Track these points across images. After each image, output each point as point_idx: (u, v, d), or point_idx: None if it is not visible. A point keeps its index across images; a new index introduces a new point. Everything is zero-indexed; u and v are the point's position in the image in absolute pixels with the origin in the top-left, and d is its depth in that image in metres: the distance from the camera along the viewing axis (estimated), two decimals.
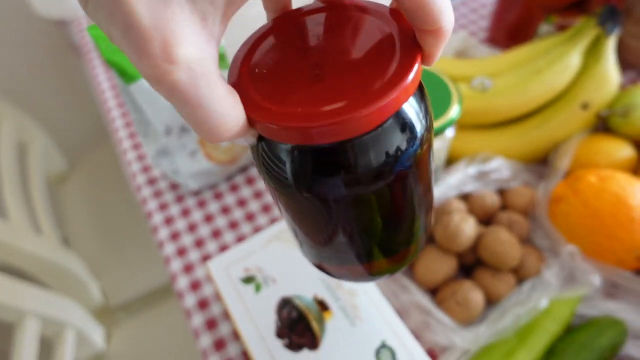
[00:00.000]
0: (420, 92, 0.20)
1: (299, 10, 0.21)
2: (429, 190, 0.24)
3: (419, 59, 0.18)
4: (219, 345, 0.43)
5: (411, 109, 0.19)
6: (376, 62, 0.18)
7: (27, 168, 0.94)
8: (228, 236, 0.51)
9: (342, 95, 0.17)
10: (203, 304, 0.46)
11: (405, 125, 0.19)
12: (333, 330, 0.37)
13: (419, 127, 0.20)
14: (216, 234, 0.52)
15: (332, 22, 0.20)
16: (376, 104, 0.17)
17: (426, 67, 0.44)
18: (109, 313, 0.86)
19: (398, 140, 0.19)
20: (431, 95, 0.42)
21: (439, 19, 0.18)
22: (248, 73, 0.19)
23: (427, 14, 0.17)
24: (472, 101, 0.49)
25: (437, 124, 0.39)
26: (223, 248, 0.51)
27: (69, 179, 1.06)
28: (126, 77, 0.45)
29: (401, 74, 0.18)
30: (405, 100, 0.18)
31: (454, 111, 0.40)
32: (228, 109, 0.18)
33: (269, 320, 0.38)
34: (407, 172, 0.20)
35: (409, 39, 0.19)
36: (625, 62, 0.63)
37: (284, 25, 0.21)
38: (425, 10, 0.17)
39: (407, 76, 0.17)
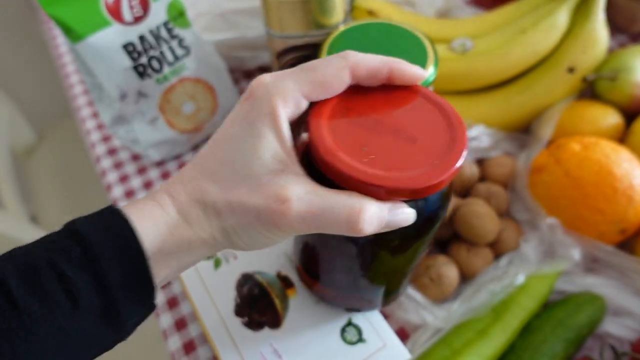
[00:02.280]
0: None
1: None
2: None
3: (464, 152, 0.23)
4: (180, 325, 0.41)
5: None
6: (434, 139, 0.23)
7: None
8: None
9: (421, 163, 0.22)
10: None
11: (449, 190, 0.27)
12: (297, 308, 0.34)
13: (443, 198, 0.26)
14: None
15: (390, 95, 0.25)
16: (449, 172, 0.22)
17: (402, 25, 0.40)
18: None
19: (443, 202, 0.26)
20: (405, 54, 0.38)
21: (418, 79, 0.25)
22: (338, 143, 0.23)
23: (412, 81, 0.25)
24: (452, 63, 0.46)
25: None
26: None
27: (36, 152, 1.01)
28: (72, 34, 0.40)
29: (457, 150, 0.23)
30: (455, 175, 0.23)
31: (429, 72, 0.37)
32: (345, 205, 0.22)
33: (228, 298, 0.35)
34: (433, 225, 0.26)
35: (456, 121, 0.24)
36: (614, 24, 0.60)
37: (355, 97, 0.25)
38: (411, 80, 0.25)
39: (462, 152, 0.23)
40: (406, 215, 0.23)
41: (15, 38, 1.02)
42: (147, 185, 0.51)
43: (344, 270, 0.29)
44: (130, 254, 0.21)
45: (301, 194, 0.22)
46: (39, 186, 0.96)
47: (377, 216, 0.22)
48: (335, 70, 0.24)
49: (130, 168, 0.52)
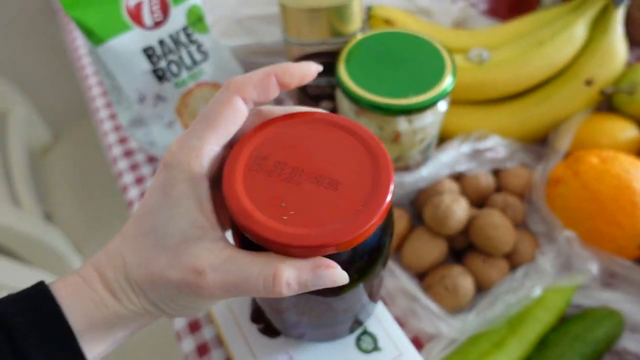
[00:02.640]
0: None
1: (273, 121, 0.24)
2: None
3: (391, 187, 0.22)
4: (194, 327, 0.41)
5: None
6: (358, 179, 0.22)
7: (6, 138, 0.91)
8: None
9: (345, 211, 0.21)
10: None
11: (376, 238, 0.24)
12: None
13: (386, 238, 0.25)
14: None
15: (308, 134, 0.24)
16: (376, 216, 0.21)
17: (419, 34, 0.40)
18: None
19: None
20: (423, 64, 0.38)
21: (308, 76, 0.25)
22: (248, 191, 0.22)
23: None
24: (468, 74, 0.46)
25: (429, 96, 0.36)
26: None
27: (52, 151, 1.02)
28: (94, 37, 0.41)
29: (383, 188, 0.21)
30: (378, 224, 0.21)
31: (447, 82, 0.37)
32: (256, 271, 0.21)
33: (245, 304, 0.35)
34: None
35: (380, 153, 0.23)
36: (632, 37, 0.59)
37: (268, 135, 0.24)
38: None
39: (388, 188, 0.22)
40: (332, 275, 0.21)
41: (35, 39, 1.03)
42: None
43: (301, 319, 0.29)
44: (58, 334, 0.21)
45: (216, 263, 0.21)
46: (54, 185, 0.97)
47: (295, 279, 0.21)
48: (225, 104, 0.23)
49: (146, 170, 0.53)
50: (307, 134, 0.24)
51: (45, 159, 1.02)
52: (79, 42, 0.67)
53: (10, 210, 0.77)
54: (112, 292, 0.23)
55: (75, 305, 0.22)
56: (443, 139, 0.46)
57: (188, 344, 0.40)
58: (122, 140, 0.55)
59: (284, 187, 0.22)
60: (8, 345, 0.20)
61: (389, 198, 0.21)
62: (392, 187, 0.22)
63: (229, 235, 0.25)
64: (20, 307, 0.21)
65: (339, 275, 0.21)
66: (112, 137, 0.56)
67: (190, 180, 0.22)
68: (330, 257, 0.22)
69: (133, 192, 0.51)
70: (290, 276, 0.21)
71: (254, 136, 0.23)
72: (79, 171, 0.98)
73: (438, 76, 0.37)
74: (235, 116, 0.23)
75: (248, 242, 0.22)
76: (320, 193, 0.22)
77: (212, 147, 0.23)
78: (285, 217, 0.21)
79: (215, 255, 0.22)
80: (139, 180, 0.52)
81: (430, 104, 0.36)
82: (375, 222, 0.21)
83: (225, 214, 0.25)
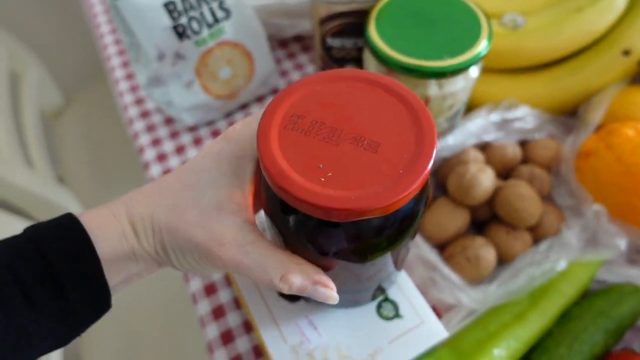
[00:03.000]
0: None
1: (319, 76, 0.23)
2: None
3: (434, 153, 0.21)
4: (210, 290, 0.41)
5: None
6: (399, 142, 0.21)
7: (19, 99, 0.90)
8: None
9: (385, 175, 0.20)
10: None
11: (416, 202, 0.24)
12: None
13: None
14: None
15: (347, 92, 0.23)
16: (416, 182, 0.20)
17: None
18: None
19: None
20: (458, 26, 0.37)
21: None
22: (284, 152, 0.21)
23: None
24: (501, 40, 0.44)
25: (462, 59, 0.35)
26: None
27: (65, 114, 1.02)
28: None
29: (425, 154, 0.20)
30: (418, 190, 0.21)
31: (482, 46, 0.36)
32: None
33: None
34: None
35: (423, 115, 0.21)
36: None
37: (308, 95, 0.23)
38: None
39: (431, 155, 0.20)
40: (327, 294, 0.24)
41: (46, 2, 1.01)
42: (180, 150, 0.50)
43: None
44: (86, 261, 0.23)
45: (240, 242, 0.23)
46: (66, 148, 0.97)
47: (297, 287, 0.23)
48: None
49: (162, 132, 0.52)
50: (347, 92, 0.22)
51: (58, 121, 1.02)
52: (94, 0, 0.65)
53: (23, 171, 0.77)
54: (134, 227, 0.24)
55: (103, 235, 0.24)
56: (471, 107, 0.45)
57: (204, 307, 0.40)
58: (139, 101, 0.54)
59: (321, 148, 0.21)
60: (44, 268, 0.22)
61: (431, 164, 0.20)
62: (434, 153, 0.21)
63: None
64: (53, 234, 0.23)
65: (331, 297, 0.24)
66: (128, 98, 0.55)
67: (243, 159, 0.24)
68: (362, 222, 0.21)
69: (150, 154, 0.50)
70: (296, 282, 0.23)
71: (290, 94, 0.22)
72: (91, 134, 0.98)
73: (473, 39, 0.36)
74: None
75: (283, 205, 0.22)
76: (360, 155, 0.21)
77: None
78: (323, 179, 0.20)
79: (242, 235, 0.23)
80: (156, 142, 0.51)
81: (463, 68, 0.34)
82: (415, 188, 0.20)
83: (259, 199, 0.26)
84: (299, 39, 0.58)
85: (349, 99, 0.22)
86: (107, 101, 0.97)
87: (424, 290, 0.37)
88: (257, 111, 0.25)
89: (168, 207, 0.24)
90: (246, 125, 0.25)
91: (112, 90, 0.59)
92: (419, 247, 0.39)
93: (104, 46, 0.61)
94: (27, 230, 0.23)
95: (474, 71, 0.38)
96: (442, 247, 0.41)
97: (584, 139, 0.41)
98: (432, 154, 0.20)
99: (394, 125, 0.21)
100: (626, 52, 0.43)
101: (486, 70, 0.45)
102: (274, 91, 0.54)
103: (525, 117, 0.43)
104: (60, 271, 0.22)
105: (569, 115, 0.46)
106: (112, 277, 0.24)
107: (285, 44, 0.59)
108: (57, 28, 1.04)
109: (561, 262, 0.36)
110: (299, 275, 0.23)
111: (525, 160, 0.43)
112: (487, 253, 0.38)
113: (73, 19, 0.98)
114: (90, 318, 0.24)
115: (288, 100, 0.22)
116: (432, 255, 0.38)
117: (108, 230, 0.24)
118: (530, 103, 0.44)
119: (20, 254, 0.22)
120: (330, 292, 0.24)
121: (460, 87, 0.37)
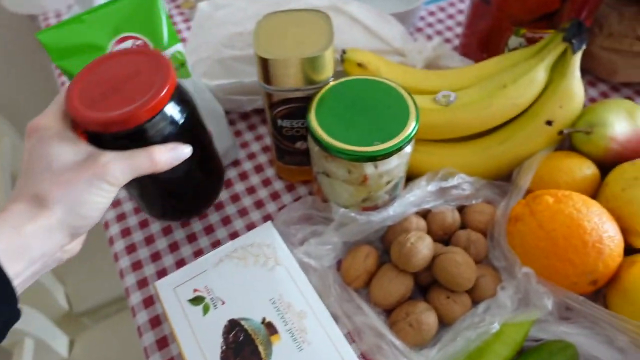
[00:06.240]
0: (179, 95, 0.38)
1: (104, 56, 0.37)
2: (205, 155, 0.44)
3: (169, 84, 0.35)
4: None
5: (172, 106, 0.37)
6: (149, 82, 0.35)
7: None
8: (185, 250, 0.50)
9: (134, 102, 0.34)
10: (155, 322, 0.45)
11: (169, 113, 0.37)
12: (280, 355, 0.36)
13: (177, 113, 0.37)
14: (173, 247, 0.51)
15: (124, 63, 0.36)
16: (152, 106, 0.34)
17: (386, 81, 0.43)
18: (73, 319, 0.84)
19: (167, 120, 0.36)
20: (389, 110, 0.41)
21: None
22: (80, 100, 0.34)
23: None
24: (436, 114, 0.48)
25: (394, 142, 0.38)
26: (179, 263, 0.49)
27: None
28: None
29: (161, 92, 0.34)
30: (165, 103, 0.35)
31: (410, 128, 0.39)
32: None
33: (215, 344, 0.37)
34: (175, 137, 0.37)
35: (165, 68, 0.35)
36: (595, 74, 0.63)
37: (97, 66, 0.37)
38: None
39: (162, 93, 0.34)
40: (181, 151, 0.36)
41: (20, 66, 1.05)
42: (142, 225, 0.53)
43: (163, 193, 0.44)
44: None
45: (114, 156, 0.32)
46: None
47: (165, 154, 0.34)
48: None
49: (127, 206, 0.54)
50: (115, 63, 0.36)
51: None
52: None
53: None
54: (29, 208, 0.29)
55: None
56: (411, 176, 0.49)
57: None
58: None
59: (101, 97, 0.34)
60: None
61: (163, 93, 0.34)
62: (167, 88, 0.34)
63: None
64: None
65: (185, 150, 0.36)
66: None
67: (59, 132, 0.32)
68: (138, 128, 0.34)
69: (114, 229, 0.52)
70: (163, 154, 0.34)
71: (77, 78, 0.35)
72: None
73: (402, 122, 0.40)
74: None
75: (94, 140, 0.34)
76: (124, 97, 0.34)
77: (60, 110, 0.34)
78: (103, 110, 0.33)
79: (109, 154, 0.32)
80: (120, 218, 0.53)
81: (395, 150, 0.38)
82: (155, 103, 0.33)
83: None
84: (258, 111, 0.62)
85: (115, 68, 0.36)
86: None
87: (372, 358, 0.40)
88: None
89: (46, 181, 0.30)
90: (40, 116, 0.33)
91: None
92: (366, 315, 0.41)
93: None
94: None
95: (406, 149, 0.41)
96: (389, 311, 0.43)
97: (514, 203, 0.45)
98: (165, 85, 0.34)
99: (145, 72, 0.35)
100: (549, 122, 0.48)
101: (423, 141, 0.50)
102: (235, 163, 0.57)
103: (461, 184, 0.47)
104: None
105: (504, 178, 0.50)
106: (13, 265, 0.27)
107: (246, 116, 0.62)
108: (28, 93, 1.07)
109: (494, 324, 0.39)
110: (160, 149, 0.34)
111: (463, 224, 0.47)
112: (429, 318, 0.40)
113: (44, 83, 1.02)
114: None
115: (80, 79, 0.35)
116: (378, 323, 0.41)
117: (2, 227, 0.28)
118: (466, 170, 0.48)
119: None
120: (182, 147, 0.36)
121: (394, 164, 0.41)
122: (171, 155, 0.35)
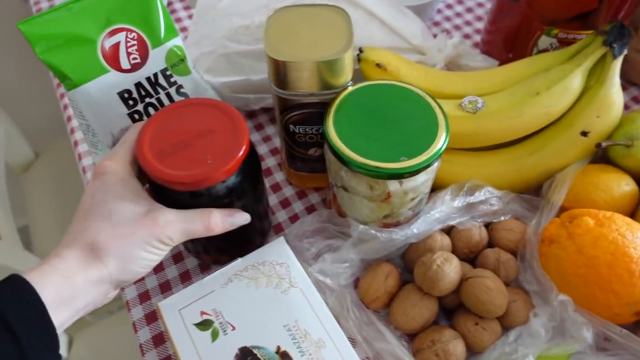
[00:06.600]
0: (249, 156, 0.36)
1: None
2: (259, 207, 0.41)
3: (244, 147, 0.34)
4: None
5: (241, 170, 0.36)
6: (222, 144, 0.34)
7: None
8: (190, 262, 0.47)
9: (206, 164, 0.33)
10: (159, 340, 0.42)
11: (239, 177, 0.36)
12: None
13: (244, 176, 0.37)
14: (177, 257, 0.47)
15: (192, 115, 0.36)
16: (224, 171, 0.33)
17: (411, 87, 0.39)
18: None
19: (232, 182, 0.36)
20: (415, 122, 0.37)
21: None
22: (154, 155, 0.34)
23: None
24: (462, 122, 0.44)
25: (423, 157, 0.35)
26: (183, 276, 0.46)
27: (32, 168, 0.99)
28: (67, 83, 0.39)
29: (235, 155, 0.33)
30: (236, 170, 0.34)
31: (441, 142, 0.36)
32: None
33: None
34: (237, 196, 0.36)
35: (240, 132, 0.34)
36: (628, 78, 0.59)
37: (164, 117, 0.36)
38: None
39: (237, 157, 0.33)
40: (240, 217, 0.36)
41: (15, 55, 1.00)
42: None
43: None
44: (31, 304, 0.26)
45: (171, 218, 0.32)
46: (34, 202, 0.94)
47: (221, 220, 0.34)
48: (134, 130, 0.36)
49: None
50: (188, 115, 0.36)
51: (26, 175, 0.99)
52: None
53: None
54: (79, 261, 0.29)
55: (43, 282, 0.27)
56: (434, 187, 0.45)
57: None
58: None
59: (174, 149, 0.34)
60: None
61: (243, 149, 0.33)
62: (244, 147, 0.34)
63: None
64: (3, 292, 0.27)
65: (244, 216, 0.36)
66: (86, 160, 0.55)
67: (125, 179, 0.33)
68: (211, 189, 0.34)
69: None
70: (219, 220, 0.34)
71: (149, 124, 0.35)
72: (59, 188, 0.96)
73: (431, 135, 0.36)
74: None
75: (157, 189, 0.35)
76: (195, 152, 0.33)
77: (129, 154, 0.34)
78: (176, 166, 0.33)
79: (168, 215, 0.32)
80: None
81: (424, 168, 0.34)
82: (228, 168, 0.33)
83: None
84: (266, 110, 0.58)
85: (188, 119, 0.35)
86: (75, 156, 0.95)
87: None
88: None
89: (106, 231, 0.30)
90: (108, 160, 0.33)
91: (74, 152, 0.58)
92: (388, 341, 0.38)
93: (65, 106, 0.60)
94: None
95: (435, 164, 0.38)
96: (411, 335, 0.40)
97: (546, 222, 0.41)
98: (241, 149, 0.33)
99: (218, 130, 0.34)
100: (584, 133, 0.44)
101: (449, 150, 0.46)
102: None
103: (489, 199, 0.43)
104: (10, 318, 0.25)
105: (533, 191, 0.46)
106: (59, 313, 0.27)
107: (253, 115, 0.58)
108: (24, 82, 1.02)
109: (529, 357, 0.36)
110: (217, 215, 0.34)
111: (491, 242, 0.43)
112: (456, 348, 0.37)
113: (39, 72, 0.97)
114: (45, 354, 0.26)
115: (149, 128, 0.35)
116: (401, 350, 0.37)
117: (49, 276, 0.28)
118: (492, 181, 0.44)
119: None
120: (240, 213, 0.36)
121: (421, 181, 0.37)
122: (229, 221, 0.35)
